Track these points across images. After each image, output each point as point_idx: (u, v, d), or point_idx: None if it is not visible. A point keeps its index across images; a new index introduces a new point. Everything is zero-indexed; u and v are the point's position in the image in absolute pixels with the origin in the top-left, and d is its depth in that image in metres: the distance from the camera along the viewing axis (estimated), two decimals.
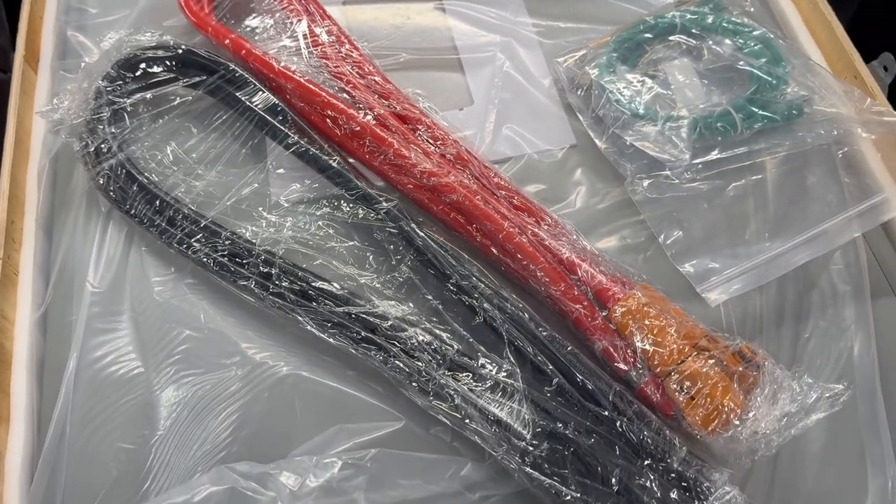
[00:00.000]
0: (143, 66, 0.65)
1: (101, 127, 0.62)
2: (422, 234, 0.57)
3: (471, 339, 0.54)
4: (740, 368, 0.49)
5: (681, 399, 0.49)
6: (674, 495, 0.47)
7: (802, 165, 0.60)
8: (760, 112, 0.61)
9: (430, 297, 0.56)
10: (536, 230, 0.58)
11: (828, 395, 0.48)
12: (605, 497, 0.47)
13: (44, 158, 0.64)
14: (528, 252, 0.56)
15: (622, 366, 0.52)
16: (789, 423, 0.48)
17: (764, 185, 0.59)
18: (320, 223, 0.60)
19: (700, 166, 0.59)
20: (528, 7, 0.74)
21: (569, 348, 0.52)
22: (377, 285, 0.57)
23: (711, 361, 0.49)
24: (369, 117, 0.62)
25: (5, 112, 0.80)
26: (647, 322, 0.52)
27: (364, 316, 0.55)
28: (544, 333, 0.53)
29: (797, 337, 0.55)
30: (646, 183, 0.59)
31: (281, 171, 0.63)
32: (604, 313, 0.54)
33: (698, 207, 0.59)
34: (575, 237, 0.58)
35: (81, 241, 0.61)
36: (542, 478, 0.47)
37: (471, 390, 0.51)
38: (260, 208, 0.61)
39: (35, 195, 0.63)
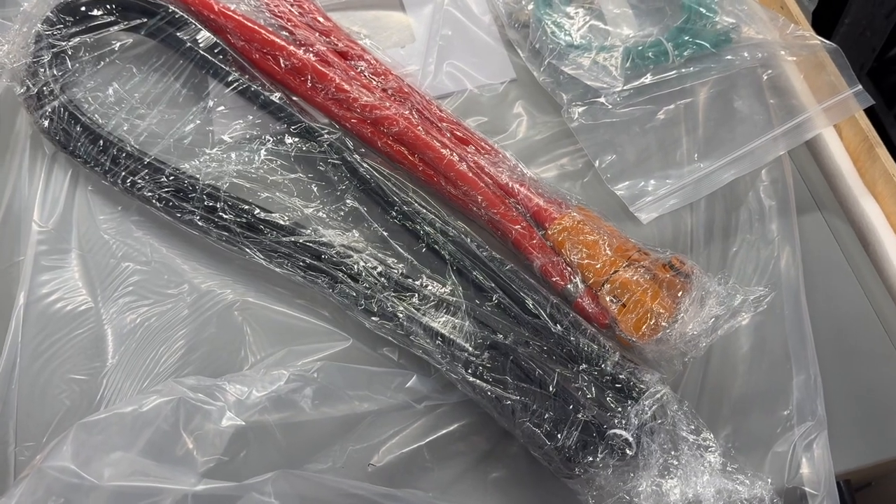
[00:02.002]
0: (83, 9, 0.65)
1: (42, 70, 0.62)
2: (365, 164, 0.59)
3: (415, 262, 0.55)
4: (668, 276, 0.51)
5: (613, 308, 0.51)
6: (608, 396, 0.49)
7: (730, 88, 0.63)
8: (691, 40, 0.63)
9: (375, 226, 0.58)
10: (477, 159, 0.60)
11: (752, 297, 0.51)
12: (544, 400, 0.49)
13: None
14: (467, 178, 0.57)
15: (559, 280, 0.54)
16: (716, 324, 0.50)
17: (694, 108, 0.62)
18: (264, 157, 0.61)
19: (632, 92, 0.61)
20: None
21: (508, 266, 0.54)
22: (323, 215, 0.59)
23: (642, 271, 0.52)
24: (310, 54, 0.63)
25: None
26: (581, 238, 0.54)
27: (310, 244, 0.56)
28: (485, 254, 0.55)
29: (726, 251, 0.58)
30: (581, 109, 0.61)
31: (223, 109, 0.64)
32: (542, 233, 0.56)
33: (631, 132, 0.61)
34: (514, 164, 0.59)
35: (27, 184, 0.61)
36: (484, 385, 0.49)
37: (416, 309, 0.53)
38: (204, 148, 0.61)
39: None
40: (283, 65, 0.63)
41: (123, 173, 0.59)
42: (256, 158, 0.60)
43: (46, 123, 0.61)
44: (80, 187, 0.61)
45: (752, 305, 0.51)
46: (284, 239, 0.56)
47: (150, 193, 0.58)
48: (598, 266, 0.52)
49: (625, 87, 0.60)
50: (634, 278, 0.51)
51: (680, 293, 0.51)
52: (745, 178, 0.60)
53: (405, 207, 0.57)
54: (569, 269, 0.54)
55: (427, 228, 0.56)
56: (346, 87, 0.61)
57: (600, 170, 0.60)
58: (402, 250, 0.56)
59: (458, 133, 0.62)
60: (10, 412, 0.52)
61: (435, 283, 0.54)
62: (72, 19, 0.64)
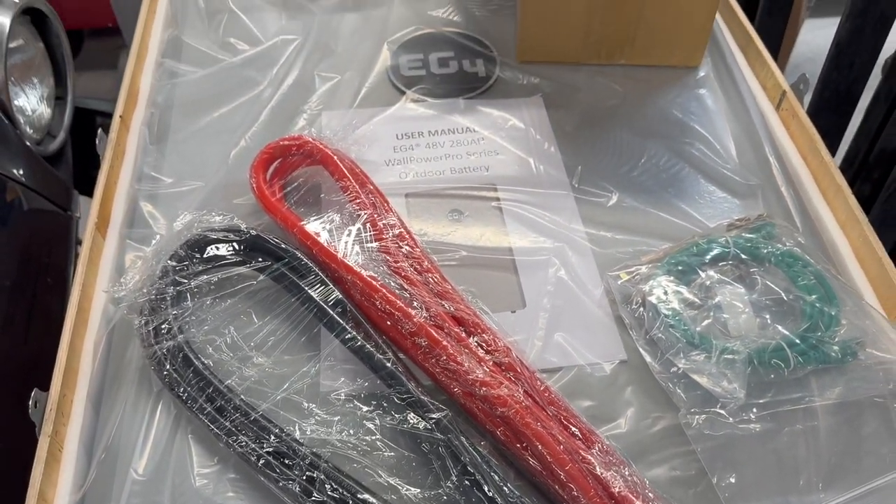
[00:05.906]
0: (211, 247, 0.67)
1: (164, 307, 0.63)
2: (471, 451, 0.57)
3: None
4: None
5: None
6: None
7: (857, 415, 0.60)
8: (812, 352, 0.61)
9: None
10: (587, 455, 0.58)
11: None
12: None
13: (102, 330, 0.65)
14: (580, 482, 0.55)
15: None
16: None
17: (817, 432, 0.59)
18: (369, 426, 0.60)
19: (755, 408, 0.58)
20: (582, 214, 0.76)
21: None
22: (419, 501, 0.56)
23: None
24: (424, 317, 0.63)
25: (63, 252, 0.81)
26: None
27: None
28: None
29: None
30: (701, 418, 0.59)
31: (333, 363, 0.64)
32: None
33: (752, 449, 0.58)
34: (625, 469, 0.57)
35: (129, 420, 0.61)
36: None
37: None
38: (312, 405, 0.61)
39: (89, 367, 0.64)
40: (398, 327, 0.63)
41: (228, 426, 0.58)
42: (361, 428, 0.59)
43: (159, 362, 0.61)
44: (181, 431, 0.60)
45: None
46: None
47: (251, 454, 0.57)
48: None
49: (748, 401, 0.58)
50: None
51: None
52: None
53: None
54: None
55: None
56: (458, 358, 0.61)
57: (718, 487, 0.57)
58: None
59: (566, 420, 0.60)
60: None
61: None
62: (199, 256, 0.66)
